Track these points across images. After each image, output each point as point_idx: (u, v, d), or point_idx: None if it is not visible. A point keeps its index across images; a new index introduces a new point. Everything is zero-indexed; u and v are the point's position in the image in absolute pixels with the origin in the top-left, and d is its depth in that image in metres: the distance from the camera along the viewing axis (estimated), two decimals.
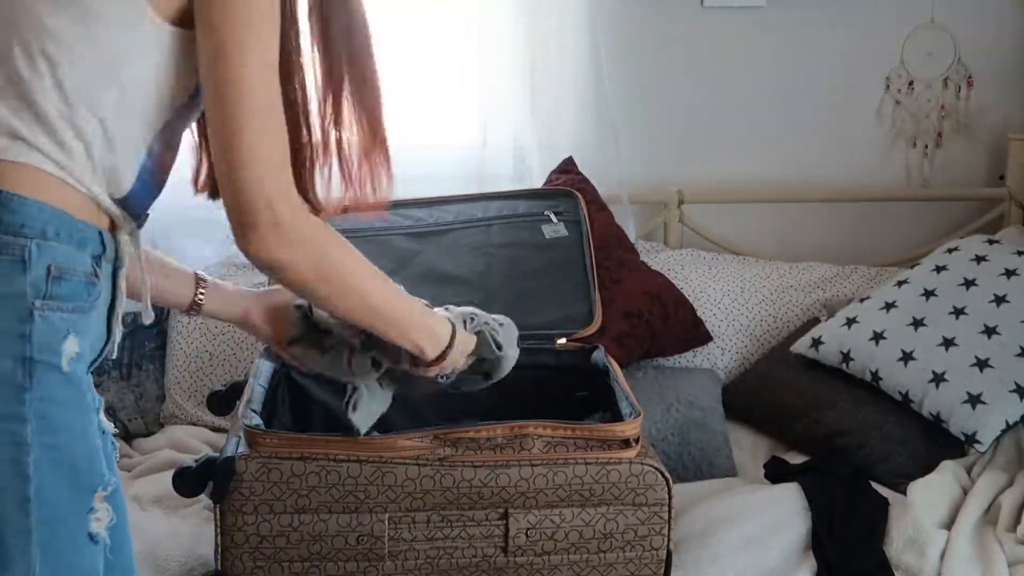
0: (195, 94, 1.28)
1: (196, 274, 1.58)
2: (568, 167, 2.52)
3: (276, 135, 1.24)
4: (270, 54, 1.24)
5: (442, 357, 1.47)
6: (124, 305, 1.29)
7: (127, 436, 2.30)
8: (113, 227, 1.27)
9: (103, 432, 1.25)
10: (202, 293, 1.57)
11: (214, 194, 1.45)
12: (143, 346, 2.35)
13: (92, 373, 1.25)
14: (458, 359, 1.51)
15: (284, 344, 1.63)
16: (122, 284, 1.28)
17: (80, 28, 1.19)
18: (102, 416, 1.26)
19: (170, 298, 1.57)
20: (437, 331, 1.46)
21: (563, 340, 2.00)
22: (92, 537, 1.19)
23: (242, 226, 1.23)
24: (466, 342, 1.52)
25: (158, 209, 1.34)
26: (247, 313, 1.61)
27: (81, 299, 1.20)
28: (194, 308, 1.57)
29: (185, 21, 1.23)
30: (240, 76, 1.21)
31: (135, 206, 1.29)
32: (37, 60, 1.18)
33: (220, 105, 1.21)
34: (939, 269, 2.27)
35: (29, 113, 1.18)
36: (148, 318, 1.39)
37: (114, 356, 1.28)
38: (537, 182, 2.56)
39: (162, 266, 1.55)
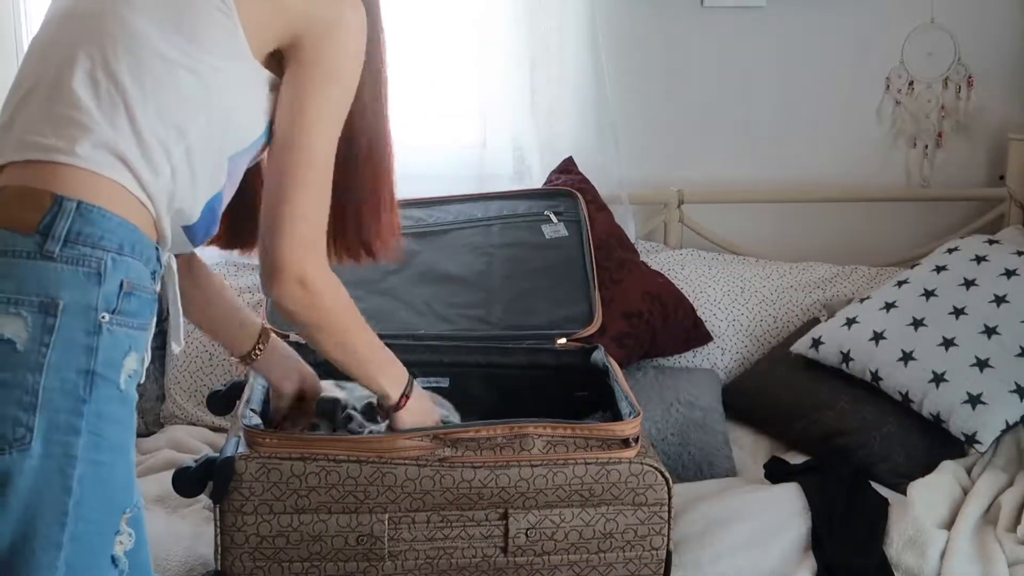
0: (259, 138, 1.34)
1: (263, 328, 1.63)
2: (568, 167, 2.52)
3: (324, 197, 1.35)
4: (341, 123, 1.35)
5: (400, 406, 1.54)
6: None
7: None
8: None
9: None
10: (260, 350, 1.62)
11: (228, 245, 1.56)
12: None
13: None
14: (417, 416, 1.57)
15: (280, 415, 1.68)
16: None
17: (187, 51, 1.23)
18: None
19: (231, 345, 1.62)
20: (400, 377, 1.54)
21: (563, 340, 2.00)
22: (114, 560, 1.19)
23: (272, 275, 1.32)
24: (422, 397, 1.59)
25: None
26: (282, 380, 1.66)
27: (145, 316, 1.21)
28: (247, 360, 1.62)
29: (269, 64, 1.31)
30: (311, 139, 1.31)
31: (197, 237, 1.32)
32: (144, 78, 1.21)
33: (286, 155, 1.31)
34: (939, 269, 2.27)
35: (129, 129, 1.20)
36: (178, 346, 1.41)
37: (142, 379, 1.25)
38: (537, 182, 2.56)
39: (239, 318, 1.61)
